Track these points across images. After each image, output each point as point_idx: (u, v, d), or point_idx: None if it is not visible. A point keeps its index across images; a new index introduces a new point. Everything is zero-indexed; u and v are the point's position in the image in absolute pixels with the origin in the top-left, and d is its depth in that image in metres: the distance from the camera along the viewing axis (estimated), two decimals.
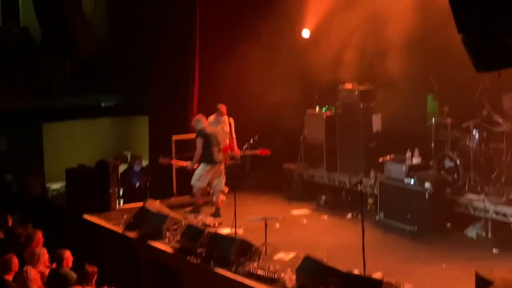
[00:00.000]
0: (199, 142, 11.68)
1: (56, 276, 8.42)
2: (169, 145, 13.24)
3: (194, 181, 11.88)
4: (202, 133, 11.75)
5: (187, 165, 11.90)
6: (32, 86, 15.10)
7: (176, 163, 12.28)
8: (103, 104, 15.94)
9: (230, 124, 12.51)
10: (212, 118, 12.42)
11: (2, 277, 8.18)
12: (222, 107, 12.40)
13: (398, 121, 12.15)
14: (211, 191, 12.05)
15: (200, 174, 11.81)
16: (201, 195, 12.04)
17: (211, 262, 9.40)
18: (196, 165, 11.82)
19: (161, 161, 12.22)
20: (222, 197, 11.91)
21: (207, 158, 11.74)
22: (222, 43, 13.80)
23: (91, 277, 8.16)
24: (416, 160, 11.26)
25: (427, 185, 10.60)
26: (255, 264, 9.25)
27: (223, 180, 11.95)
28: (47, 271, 8.60)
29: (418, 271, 8.95)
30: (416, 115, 12.14)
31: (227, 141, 12.46)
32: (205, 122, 11.92)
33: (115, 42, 15.73)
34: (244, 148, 12.08)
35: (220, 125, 12.39)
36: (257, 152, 12.48)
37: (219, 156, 11.83)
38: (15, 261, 8.29)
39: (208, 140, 11.71)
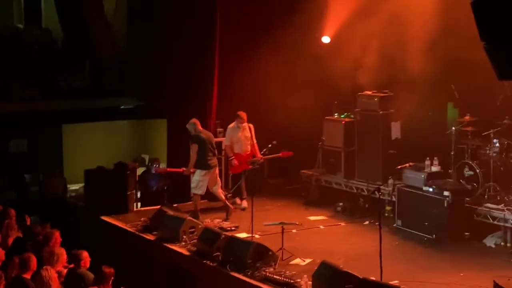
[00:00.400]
0: (194, 148, 11.71)
1: (73, 276, 8.46)
2: (187, 149, 13.26)
3: (192, 188, 11.95)
4: (197, 138, 11.78)
5: (183, 171, 11.92)
6: (52, 87, 15.20)
7: (171, 170, 12.27)
8: (122, 107, 16.01)
9: (250, 130, 12.55)
10: (232, 124, 12.52)
11: (21, 276, 8.24)
12: (243, 114, 12.50)
13: (417, 128, 12.12)
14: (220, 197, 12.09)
15: (198, 181, 11.84)
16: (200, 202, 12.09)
17: (227, 266, 9.39)
18: (192, 170, 11.80)
19: (157, 171, 12.29)
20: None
21: (201, 163, 11.78)
22: (241, 47, 13.82)
23: (108, 278, 8.18)
24: (435, 168, 11.20)
25: (446, 193, 10.54)
26: (271, 269, 9.23)
27: (219, 186, 12.07)
28: (65, 271, 8.64)
29: (435, 280, 8.88)
30: (436, 123, 12.09)
31: (249, 147, 12.52)
32: (199, 126, 11.94)
33: (135, 45, 15.81)
34: (263, 153, 12.12)
35: (241, 131, 12.48)
36: (280, 154, 12.49)
37: (213, 161, 11.90)
38: (33, 260, 8.34)
39: (204, 145, 11.75)
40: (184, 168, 11.94)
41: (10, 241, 9.77)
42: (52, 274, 8.02)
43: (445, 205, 10.51)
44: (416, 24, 11.36)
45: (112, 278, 8.24)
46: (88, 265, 8.66)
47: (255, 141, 12.54)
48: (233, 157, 12.48)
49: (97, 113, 15.52)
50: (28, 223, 10.86)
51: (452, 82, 11.73)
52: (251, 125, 12.60)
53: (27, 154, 15.44)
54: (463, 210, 10.64)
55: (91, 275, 8.44)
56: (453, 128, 11.42)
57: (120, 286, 8.56)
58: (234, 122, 12.56)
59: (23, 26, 15.82)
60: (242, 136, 12.48)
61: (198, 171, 11.83)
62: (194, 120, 12.04)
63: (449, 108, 12.19)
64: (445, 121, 12.21)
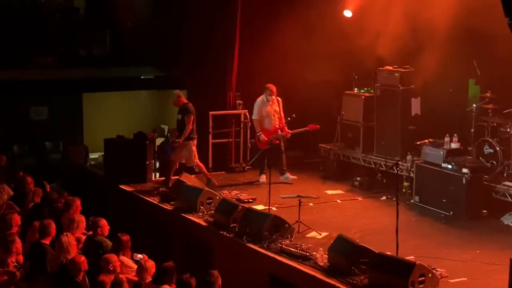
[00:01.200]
0: (189, 118, 11.68)
1: (92, 243, 8.58)
2: (206, 120, 13.31)
3: (191, 161, 11.91)
4: (190, 109, 11.77)
5: (179, 141, 11.80)
6: (73, 56, 15.25)
7: (173, 142, 12.04)
8: (142, 77, 16.04)
9: (279, 103, 12.38)
10: (261, 98, 12.35)
11: (39, 241, 8.35)
12: (272, 86, 12.29)
13: (438, 105, 12.04)
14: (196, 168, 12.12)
15: (193, 151, 11.87)
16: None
17: (244, 238, 9.44)
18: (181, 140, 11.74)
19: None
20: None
21: (193, 133, 11.84)
22: (262, 20, 13.76)
23: (125, 246, 8.28)
24: (454, 145, 11.13)
25: (465, 170, 10.48)
26: (287, 241, 9.28)
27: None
28: (83, 238, 8.76)
29: (451, 256, 8.87)
30: (456, 100, 12.00)
31: (277, 122, 12.33)
32: (184, 98, 11.92)
33: (156, 15, 15.80)
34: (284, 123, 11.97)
35: (270, 105, 12.30)
36: (307, 128, 12.40)
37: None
38: (53, 227, 8.45)
39: (194, 115, 11.77)
40: (180, 139, 11.80)
41: (29, 206, 9.90)
42: (71, 240, 8.14)
43: (464, 182, 10.46)
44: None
45: (129, 245, 8.34)
46: (106, 232, 8.77)
47: (282, 115, 12.36)
48: (260, 132, 12.29)
49: (117, 82, 15.57)
50: (48, 189, 10.98)
51: (474, 59, 11.61)
52: (279, 98, 12.41)
53: (47, 121, 15.55)
54: (482, 188, 10.59)
55: (109, 243, 8.55)
56: (474, 105, 11.34)
57: (138, 253, 8.67)
58: (263, 95, 12.35)
59: None
60: (271, 110, 12.28)
61: (191, 142, 11.82)
62: (178, 91, 12.00)
63: (471, 85, 12.09)
64: (466, 98, 12.11)
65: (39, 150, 15.24)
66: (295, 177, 12.42)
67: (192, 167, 12.19)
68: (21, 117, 15.31)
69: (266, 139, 12.17)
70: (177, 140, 11.82)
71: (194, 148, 11.94)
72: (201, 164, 12.14)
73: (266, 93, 12.30)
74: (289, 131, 12.34)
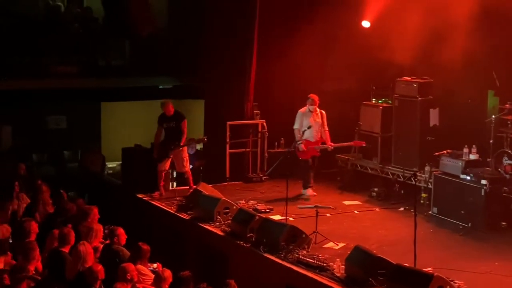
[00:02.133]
0: (184, 123, 11.85)
1: (109, 252, 8.60)
2: (224, 130, 13.33)
3: (182, 166, 11.96)
4: (184, 115, 11.94)
5: (183, 145, 11.90)
6: (92, 65, 15.34)
7: (175, 147, 11.99)
8: (160, 87, 16.10)
9: (322, 117, 12.17)
10: (304, 109, 12.13)
11: (59, 249, 8.38)
12: (314, 97, 12.11)
13: (456, 116, 11.98)
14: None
15: (184, 157, 11.97)
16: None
17: (261, 248, 9.42)
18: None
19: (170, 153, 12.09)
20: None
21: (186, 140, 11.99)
22: (280, 30, 13.78)
23: (145, 255, 8.30)
24: (473, 156, 11.06)
25: (484, 182, 10.42)
26: (304, 252, 9.24)
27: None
28: (101, 247, 8.78)
29: (470, 268, 8.79)
30: (475, 111, 11.93)
31: (319, 134, 12.10)
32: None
33: (174, 25, 15.87)
34: (301, 134, 11.81)
35: (312, 117, 12.06)
36: (352, 143, 12.25)
37: None
38: (72, 235, 8.48)
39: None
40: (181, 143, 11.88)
41: (44, 215, 9.95)
42: (88, 248, 8.16)
43: (482, 193, 10.39)
44: (458, 10, 11.20)
45: (148, 255, 8.36)
46: (123, 241, 8.79)
47: (326, 128, 12.11)
48: (301, 142, 12.04)
49: (136, 92, 15.64)
50: (65, 198, 11.03)
51: (493, 70, 11.54)
52: (323, 112, 12.18)
53: (66, 130, 15.64)
54: (500, 199, 10.50)
55: (126, 252, 8.57)
56: (493, 116, 11.26)
57: (154, 262, 8.68)
58: (306, 106, 12.13)
59: (64, 4, 15.97)
60: (313, 122, 12.04)
61: (184, 148, 11.94)
62: (167, 100, 12.15)
63: (490, 96, 12.00)
64: (485, 109, 12.02)
65: (58, 159, 15.33)
66: (315, 194, 12.25)
67: (181, 173, 12.23)
68: (40, 126, 15.41)
69: (305, 149, 12.01)
70: (180, 145, 11.86)
71: (186, 154, 12.01)
72: (190, 173, 12.13)
73: (308, 103, 12.11)
74: (332, 144, 12.11)
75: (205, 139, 12.33)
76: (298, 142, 12.06)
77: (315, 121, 12.08)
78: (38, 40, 14.76)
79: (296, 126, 12.16)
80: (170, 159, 12.00)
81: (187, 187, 12.10)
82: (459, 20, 11.13)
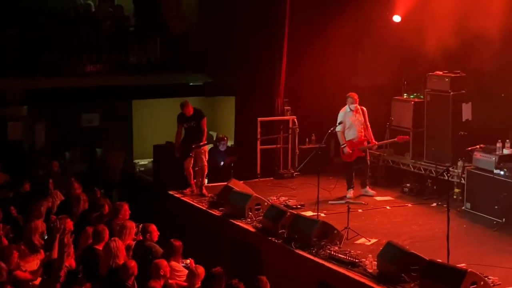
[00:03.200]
0: (204, 122, 11.90)
1: (141, 249, 8.67)
2: (255, 127, 13.34)
3: (202, 161, 11.99)
4: (204, 114, 11.96)
5: (194, 146, 11.91)
6: (124, 63, 15.45)
7: (197, 146, 12.04)
8: (191, 84, 16.16)
9: (363, 113, 11.91)
10: (344, 108, 11.91)
11: (93, 246, 8.48)
12: (353, 95, 11.84)
13: (489, 110, 11.85)
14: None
15: (205, 152, 12.08)
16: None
17: (292, 244, 9.43)
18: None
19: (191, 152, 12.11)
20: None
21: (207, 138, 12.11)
22: (311, 26, 13.76)
23: (178, 251, 8.34)
24: (507, 151, 10.93)
25: None
26: (336, 248, 9.23)
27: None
28: (133, 244, 8.85)
29: (504, 264, 8.72)
30: (509, 105, 11.78)
31: (362, 132, 11.83)
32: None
33: (205, 23, 15.91)
34: (330, 131, 11.59)
35: (353, 115, 11.82)
36: (396, 139, 12.01)
37: None
38: (106, 232, 8.57)
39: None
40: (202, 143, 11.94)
41: (77, 212, 10.06)
42: (119, 245, 8.23)
43: None
44: (490, 3, 11.07)
45: (181, 251, 8.41)
46: (155, 238, 8.85)
47: (368, 125, 11.86)
48: (345, 144, 11.82)
49: (166, 89, 15.71)
50: (98, 195, 11.14)
51: None
52: (364, 108, 11.92)
53: (98, 128, 15.78)
54: None
55: (158, 248, 8.63)
56: None
57: (187, 258, 8.73)
58: (346, 106, 11.88)
59: (95, 3, 16.10)
60: (355, 121, 11.79)
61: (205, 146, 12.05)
62: (186, 100, 12.15)
63: None
64: None
65: (90, 156, 15.48)
66: (375, 192, 12.08)
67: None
68: (73, 124, 15.57)
69: (351, 151, 11.80)
70: (200, 144, 11.91)
71: (205, 148, 12.12)
72: (206, 169, 12.16)
73: (348, 101, 11.81)
74: (376, 142, 11.93)
75: None
76: (343, 145, 11.84)
77: (357, 120, 11.82)
78: (71, 39, 14.90)
79: (338, 129, 11.80)
80: (193, 157, 12.03)
81: (221, 183, 12.10)
82: (493, 13, 10.99)
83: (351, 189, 11.97)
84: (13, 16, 14.38)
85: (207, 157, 12.17)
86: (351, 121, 11.85)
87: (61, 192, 11.17)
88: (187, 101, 12.17)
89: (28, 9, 14.71)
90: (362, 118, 11.88)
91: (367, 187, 12.13)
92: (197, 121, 11.93)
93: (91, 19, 15.51)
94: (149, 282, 7.60)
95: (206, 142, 12.04)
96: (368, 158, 12.11)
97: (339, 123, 11.79)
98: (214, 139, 15.20)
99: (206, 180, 12.61)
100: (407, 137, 12.19)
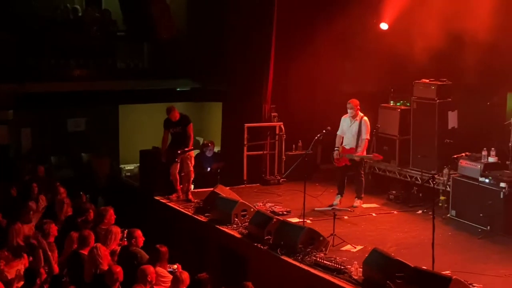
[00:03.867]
0: (191, 128, 11.88)
1: (127, 254, 8.62)
2: (242, 132, 13.34)
3: (189, 167, 12.00)
4: (190, 119, 11.96)
5: (181, 152, 11.90)
6: (111, 68, 15.43)
7: (182, 152, 12.00)
8: (178, 89, 16.15)
9: (361, 124, 11.65)
10: (346, 115, 11.84)
11: (78, 251, 8.44)
12: (352, 102, 11.66)
13: (475, 118, 11.91)
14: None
15: (192, 158, 12.06)
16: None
17: (278, 250, 9.42)
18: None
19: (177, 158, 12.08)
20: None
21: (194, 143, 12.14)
22: (298, 32, 13.80)
23: (163, 257, 8.31)
24: (492, 159, 10.99)
25: (503, 185, 10.34)
26: (322, 254, 9.24)
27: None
28: (118, 249, 8.81)
29: (488, 272, 8.74)
30: (494, 113, 11.86)
31: (355, 141, 11.65)
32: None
33: (193, 28, 15.92)
34: (317, 138, 11.52)
35: (350, 122, 11.73)
36: (371, 156, 11.82)
37: None
38: (92, 237, 8.53)
39: None
40: (187, 148, 11.93)
41: (61, 217, 10.02)
42: (103, 251, 8.19)
43: (501, 196, 10.32)
44: (477, 11, 11.14)
45: (167, 256, 8.38)
46: (141, 243, 8.81)
47: (363, 137, 11.64)
48: (336, 148, 11.79)
49: (154, 94, 15.70)
50: (84, 200, 11.10)
51: None
52: (365, 119, 11.68)
53: (85, 133, 15.74)
54: None
55: (144, 254, 8.59)
56: None
57: (174, 264, 8.70)
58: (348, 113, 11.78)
59: (82, 7, 16.08)
60: (348, 129, 11.71)
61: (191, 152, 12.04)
62: (172, 106, 12.12)
63: (509, 99, 11.92)
64: (504, 111, 11.94)
65: (76, 161, 15.43)
66: (361, 204, 11.85)
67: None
68: (59, 129, 15.51)
69: (338, 157, 11.78)
70: (185, 150, 11.88)
71: (191, 154, 12.12)
72: (192, 175, 12.17)
73: (350, 108, 11.74)
74: (357, 153, 11.61)
75: None
76: (335, 148, 11.89)
77: (351, 128, 11.73)
78: (57, 43, 14.86)
79: (338, 132, 11.89)
80: (178, 163, 12.02)
81: (208, 189, 12.08)
82: (479, 22, 11.06)
83: (340, 196, 11.93)
84: (0, 21, 14.33)
85: (193, 162, 12.15)
86: (343, 129, 11.87)
87: (46, 197, 11.12)
88: (173, 106, 12.16)
89: (15, 14, 14.67)
90: (357, 128, 11.66)
91: (356, 199, 11.94)
92: (183, 126, 11.94)
93: (78, 23, 15.48)
94: (134, 287, 7.56)
95: (192, 148, 12.02)
96: (363, 173, 11.98)
97: (325, 131, 11.73)
98: (201, 144, 15.19)
99: (192, 186, 12.59)
100: (381, 156, 11.90)
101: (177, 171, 12.09)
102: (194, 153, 12.53)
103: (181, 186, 12.18)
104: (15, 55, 14.23)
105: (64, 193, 10.89)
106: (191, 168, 12.10)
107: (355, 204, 11.83)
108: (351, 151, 11.75)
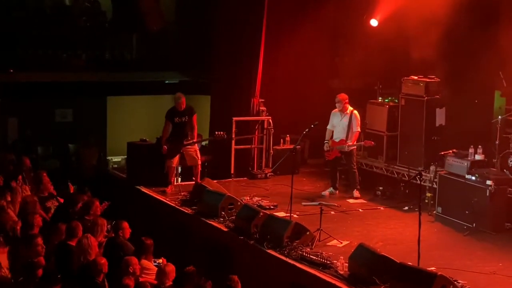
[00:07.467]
0: (195, 117, 11.83)
1: (113, 246, 8.60)
2: (230, 126, 13.32)
3: (197, 160, 12.02)
4: (195, 111, 11.91)
5: (193, 141, 11.93)
6: (99, 59, 15.36)
7: (191, 143, 12.02)
8: (166, 81, 16.11)
9: (351, 117, 11.86)
10: (335, 110, 12.01)
11: (66, 242, 8.40)
12: (340, 96, 11.89)
13: (462, 116, 11.96)
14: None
15: (197, 151, 12.06)
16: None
17: (264, 244, 9.42)
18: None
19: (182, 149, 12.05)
20: None
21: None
22: (288, 27, 13.78)
23: (149, 249, 8.30)
24: (478, 157, 11.03)
25: (489, 182, 10.39)
26: (308, 249, 9.24)
27: None
28: (104, 241, 8.79)
29: (473, 269, 8.79)
30: (481, 111, 11.91)
31: (345, 134, 11.89)
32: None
33: (182, 21, 15.88)
34: (305, 132, 11.52)
35: (340, 116, 11.90)
36: (363, 143, 12.07)
37: None
38: (80, 228, 8.50)
39: None
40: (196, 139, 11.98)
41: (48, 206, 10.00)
42: (92, 242, 8.17)
43: (487, 194, 10.37)
44: (466, 10, 11.18)
45: (152, 249, 8.37)
46: (127, 235, 8.80)
47: (354, 130, 11.86)
48: (327, 141, 12.03)
49: (142, 86, 15.65)
50: (72, 191, 11.05)
51: (500, 70, 11.52)
52: (355, 113, 11.91)
53: (72, 124, 15.67)
54: (506, 200, 10.49)
55: (130, 246, 8.59)
56: (499, 117, 11.26)
57: (159, 256, 8.69)
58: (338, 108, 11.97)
59: None
60: (338, 122, 11.94)
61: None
62: (180, 94, 12.01)
63: (496, 97, 11.99)
64: (491, 109, 12.01)
65: (63, 152, 15.35)
66: (359, 198, 11.98)
67: (191, 167, 12.21)
68: (46, 119, 15.43)
69: (328, 149, 11.99)
70: (195, 141, 11.84)
71: (197, 147, 12.11)
72: (174, 170, 12.16)
73: (338, 103, 11.93)
74: (348, 143, 11.83)
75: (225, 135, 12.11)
76: (325, 142, 12.05)
77: (341, 122, 11.93)
78: (46, 34, 14.78)
79: (328, 127, 12.11)
80: (179, 154, 11.95)
81: (192, 182, 12.08)
82: (468, 20, 11.10)
83: (332, 189, 12.08)
84: None
85: (199, 155, 12.08)
86: (333, 123, 12.00)
87: (30, 188, 11.05)
88: (181, 94, 11.96)
89: (2, 3, 14.56)
90: (347, 121, 11.88)
91: (354, 190, 12.07)
92: (189, 116, 11.82)
93: (66, 13, 15.39)
94: (123, 279, 7.54)
95: (200, 139, 11.90)
96: (353, 161, 12.07)
97: (314, 125, 11.77)
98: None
99: (180, 179, 12.57)
100: (372, 142, 12.13)
101: (174, 163, 12.00)
102: (198, 145, 12.48)
103: (175, 178, 12.04)
104: (3, 45, 14.13)
105: (48, 183, 10.77)
106: (199, 162, 12.09)
107: (354, 195, 11.98)
108: (341, 143, 11.81)
